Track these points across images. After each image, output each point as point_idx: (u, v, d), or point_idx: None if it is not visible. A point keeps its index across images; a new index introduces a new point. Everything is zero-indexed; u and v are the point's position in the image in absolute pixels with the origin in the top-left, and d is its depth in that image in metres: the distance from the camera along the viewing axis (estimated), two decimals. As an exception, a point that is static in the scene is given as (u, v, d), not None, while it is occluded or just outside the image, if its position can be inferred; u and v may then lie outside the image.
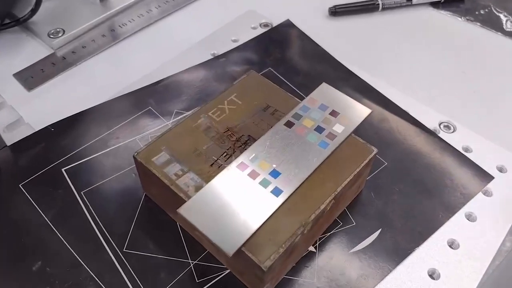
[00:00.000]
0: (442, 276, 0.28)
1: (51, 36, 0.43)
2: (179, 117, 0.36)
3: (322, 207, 0.26)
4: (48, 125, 0.35)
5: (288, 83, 0.39)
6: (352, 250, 0.29)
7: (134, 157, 0.28)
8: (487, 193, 0.33)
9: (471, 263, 0.29)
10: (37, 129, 0.35)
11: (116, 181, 0.32)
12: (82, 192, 0.31)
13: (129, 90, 0.38)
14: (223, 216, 0.25)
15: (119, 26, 0.45)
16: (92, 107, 0.37)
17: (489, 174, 0.34)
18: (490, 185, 0.33)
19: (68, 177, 0.32)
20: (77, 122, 0.36)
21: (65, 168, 0.33)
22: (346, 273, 0.28)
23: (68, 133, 0.35)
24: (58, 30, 0.43)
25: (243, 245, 0.24)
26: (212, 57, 0.42)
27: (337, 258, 0.29)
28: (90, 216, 0.30)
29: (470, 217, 0.31)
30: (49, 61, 0.42)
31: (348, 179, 0.27)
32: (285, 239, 0.25)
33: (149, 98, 0.38)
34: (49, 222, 0.30)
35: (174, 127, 0.30)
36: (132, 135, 0.35)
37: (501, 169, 0.34)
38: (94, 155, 0.33)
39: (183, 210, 0.25)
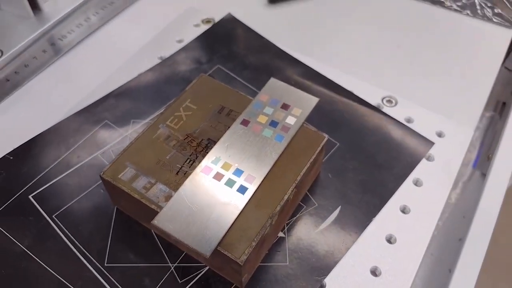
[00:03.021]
0: (398, 240, 0.32)
1: (-10, 59, 0.42)
2: (137, 127, 0.37)
3: (286, 197, 0.29)
4: (6, 154, 0.35)
5: (238, 78, 0.41)
6: (317, 230, 0.32)
7: (101, 176, 0.29)
8: (430, 158, 0.36)
9: (421, 223, 0.33)
10: (-6, 159, 0.35)
11: (85, 200, 0.33)
12: (53, 216, 0.32)
13: (82, 106, 0.39)
14: (195, 221, 0.27)
15: (59, 39, 0.44)
16: (47, 129, 0.37)
17: (430, 140, 0.37)
18: (432, 151, 0.37)
19: (37, 203, 0.33)
20: (35, 146, 0.36)
21: (32, 195, 0.33)
22: (314, 252, 0.31)
23: (27, 159, 0.35)
24: (-4, 51, 0.42)
25: (218, 244, 0.26)
26: (160, 60, 0.42)
27: (305, 239, 0.32)
28: (66, 238, 0.31)
29: (417, 183, 0.35)
30: (-7, 85, 0.41)
31: (306, 167, 0.30)
32: (255, 233, 0.27)
33: (103, 111, 0.38)
34: (26, 250, 0.31)
35: (135, 141, 0.31)
36: (93, 151, 0.35)
37: (440, 135, 0.38)
38: (58, 178, 0.34)
39: (157, 221, 0.27)
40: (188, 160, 0.30)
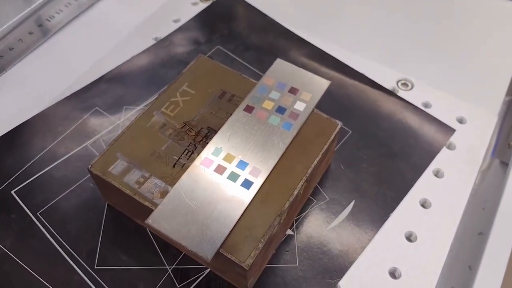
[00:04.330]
0: (419, 238, 0.29)
1: (-30, 41, 0.38)
2: (130, 114, 0.34)
3: (295, 192, 0.25)
4: (-14, 145, 0.32)
5: (239, 60, 0.37)
6: (329, 227, 0.29)
7: (89, 169, 0.26)
8: (451, 147, 0.33)
9: (444, 219, 0.30)
10: (-26, 150, 0.32)
11: (73, 195, 0.30)
12: (38, 213, 0.29)
13: (71, 92, 0.35)
14: (195, 220, 0.24)
15: (47, 19, 0.41)
16: (32, 117, 0.34)
17: (450, 127, 0.34)
18: (453, 138, 0.34)
19: (20, 199, 0.30)
20: (18, 136, 0.33)
21: (14, 190, 0.30)
22: (326, 251, 0.28)
23: (10, 150, 0.32)
24: (-23, 33, 0.39)
25: (221, 246, 0.23)
26: (155, 41, 0.39)
27: (315, 237, 0.29)
28: (52, 237, 0.28)
29: (438, 174, 0.32)
30: (-26, 70, 0.38)
31: (317, 159, 0.27)
32: (262, 233, 0.24)
33: (94, 97, 0.35)
34: (8, 252, 0.28)
35: (127, 130, 0.28)
36: (82, 141, 0.32)
37: (461, 121, 0.35)
38: (43, 171, 0.31)
39: (151, 220, 0.24)
40: (186, 151, 0.27)
